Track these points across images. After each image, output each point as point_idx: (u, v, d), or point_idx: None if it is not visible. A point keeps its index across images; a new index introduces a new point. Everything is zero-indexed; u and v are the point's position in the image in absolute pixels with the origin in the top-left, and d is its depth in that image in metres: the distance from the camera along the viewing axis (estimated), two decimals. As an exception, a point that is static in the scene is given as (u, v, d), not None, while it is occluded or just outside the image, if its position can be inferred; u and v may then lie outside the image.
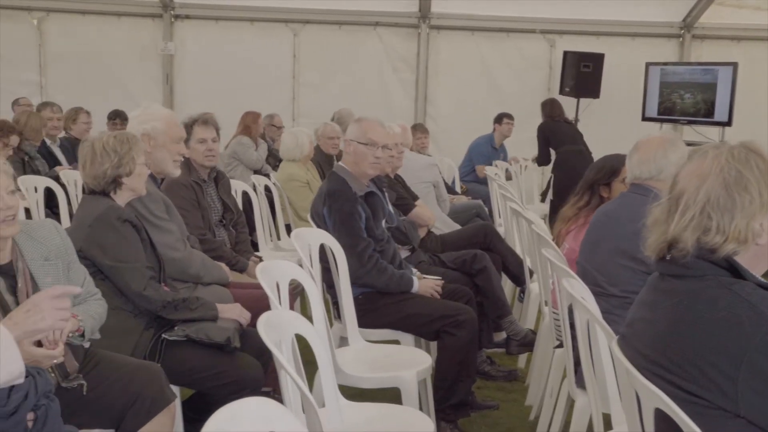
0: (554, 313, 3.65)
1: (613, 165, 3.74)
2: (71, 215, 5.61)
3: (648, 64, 9.40)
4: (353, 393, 3.12)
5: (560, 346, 3.47)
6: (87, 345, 2.66)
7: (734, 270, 1.73)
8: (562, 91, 9.56)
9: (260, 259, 4.23)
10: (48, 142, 6.88)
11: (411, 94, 10.21)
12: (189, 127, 4.29)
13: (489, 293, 4.40)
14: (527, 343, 4.41)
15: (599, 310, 2.62)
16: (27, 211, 5.42)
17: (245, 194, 5.73)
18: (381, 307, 3.73)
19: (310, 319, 2.59)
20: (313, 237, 3.57)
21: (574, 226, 3.80)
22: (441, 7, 9.91)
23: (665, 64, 9.51)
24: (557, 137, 8.30)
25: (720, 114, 8.56)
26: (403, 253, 4.30)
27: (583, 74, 9.36)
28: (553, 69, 10.11)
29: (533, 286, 4.56)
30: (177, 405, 2.79)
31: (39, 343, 2.29)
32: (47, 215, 5.74)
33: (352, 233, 3.71)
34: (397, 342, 3.71)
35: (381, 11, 9.98)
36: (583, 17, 9.85)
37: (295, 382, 1.89)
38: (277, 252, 5.70)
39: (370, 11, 9.92)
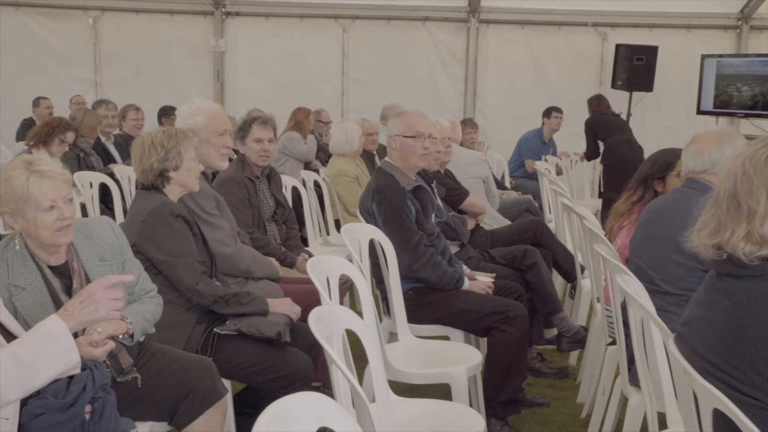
0: (607, 310, 3.60)
1: (668, 158, 3.65)
2: (125, 210, 5.71)
3: (704, 57, 9.20)
4: (402, 389, 3.12)
5: (613, 343, 3.41)
6: (142, 338, 2.70)
7: None
8: (614, 85, 9.42)
9: (309, 255, 4.25)
10: (102, 139, 7.02)
11: (460, 89, 10.16)
12: (247, 125, 4.34)
13: (539, 289, 4.36)
14: (579, 340, 4.35)
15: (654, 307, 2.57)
16: (82, 206, 5.54)
17: (295, 189, 5.76)
18: (431, 302, 3.71)
19: (358, 314, 2.59)
20: (363, 232, 3.57)
21: (626, 222, 3.73)
22: (491, 1, 9.85)
23: (721, 56, 9.29)
24: (605, 129, 8.27)
25: (779, 106, 8.36)
26: (453, 248, 4.27)
27: (635, 67, 9.20)
28: (605, 62, 9.96)
29: (584, 283, 4.50)
30: (228, 399, 2.82)
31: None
32: (102, 211, 5.86)
33: (403, 227, 3.70)
34: (446, 338, 3.69)
35: (430, 6, 9.95)
36: (636, 9, 9.68)
37: (346, 378, 1.89)
38: (326, 247, 5.72)
39: (420, 6, 9.90)
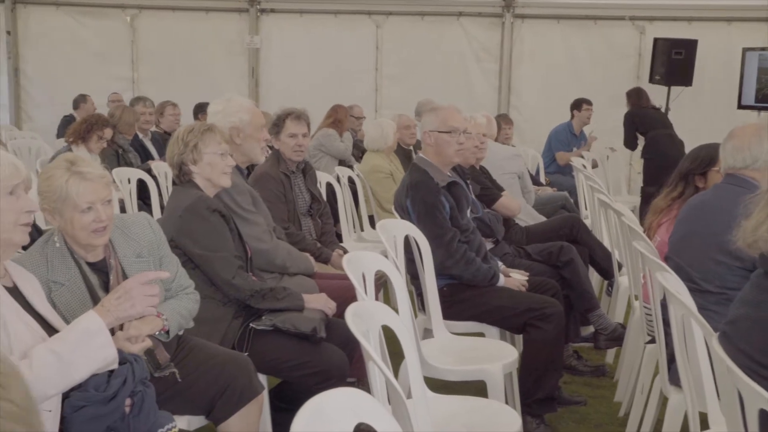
0: (645, 307, 3.54)
1: (709, 154, 3.56)
2: (162, 206, 5.77)
3: (745, 50, 9.01)
4: (438, 385, 3.11)
5: (652, 341, 3.36)
6: (181, 332, 2.72)
7: None
8: (652, 80, 9.27)
9: (344, 251, 4.25)
10: (140, 135, 7.10)
11: (494, 85, 10.10)
12: (281, 120, 4.35)
13: (576, 286, 4.31)
14: (616, 337, 4.30)
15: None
16: (121, 202, 5.61)
17: (329, 185, 5.77)
18: (466, 299, 3.69)
19: (393, 310, 2.58)
20: (398, 228, 3.56)
21: (666, 219, 3.66)
22: (526, -4, 9.78)
23: (763, 49, 9.10)
24: (645, 123, 8.18)
25: (823, 100, 8.18)
26: (488, 245, 4.24)
27: (674, 61, 9.05)
28: (643, 57, 9.81)
29: (622, 280, 4.44)
30: (264, 396, 2.83)
31: None
32: (139, 206, 5.92)
33: (437, 224, 3.68)
34: (481, 334, 3.67)
35: (464, 1, 9.91)
36: (674, 2, 9.54)
37: (383, 373, 1.88)
38: (361, 243, 5.72)
39: (454, 1, 9.87)
